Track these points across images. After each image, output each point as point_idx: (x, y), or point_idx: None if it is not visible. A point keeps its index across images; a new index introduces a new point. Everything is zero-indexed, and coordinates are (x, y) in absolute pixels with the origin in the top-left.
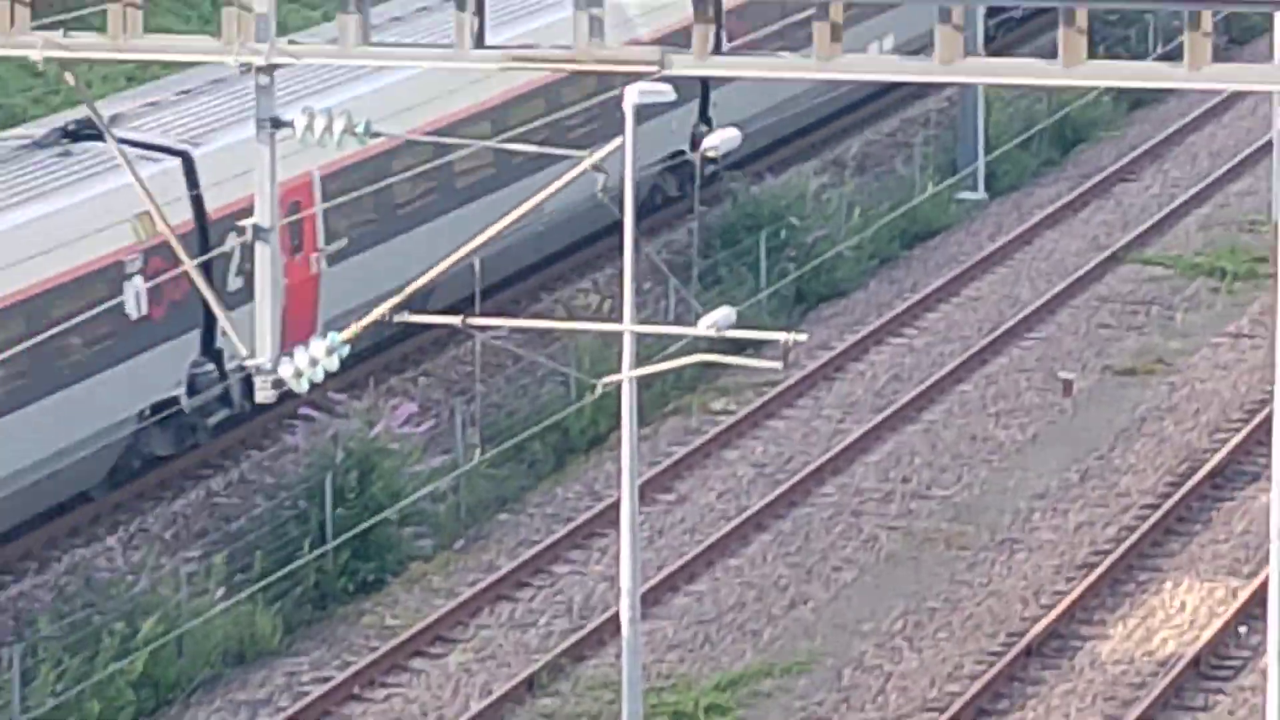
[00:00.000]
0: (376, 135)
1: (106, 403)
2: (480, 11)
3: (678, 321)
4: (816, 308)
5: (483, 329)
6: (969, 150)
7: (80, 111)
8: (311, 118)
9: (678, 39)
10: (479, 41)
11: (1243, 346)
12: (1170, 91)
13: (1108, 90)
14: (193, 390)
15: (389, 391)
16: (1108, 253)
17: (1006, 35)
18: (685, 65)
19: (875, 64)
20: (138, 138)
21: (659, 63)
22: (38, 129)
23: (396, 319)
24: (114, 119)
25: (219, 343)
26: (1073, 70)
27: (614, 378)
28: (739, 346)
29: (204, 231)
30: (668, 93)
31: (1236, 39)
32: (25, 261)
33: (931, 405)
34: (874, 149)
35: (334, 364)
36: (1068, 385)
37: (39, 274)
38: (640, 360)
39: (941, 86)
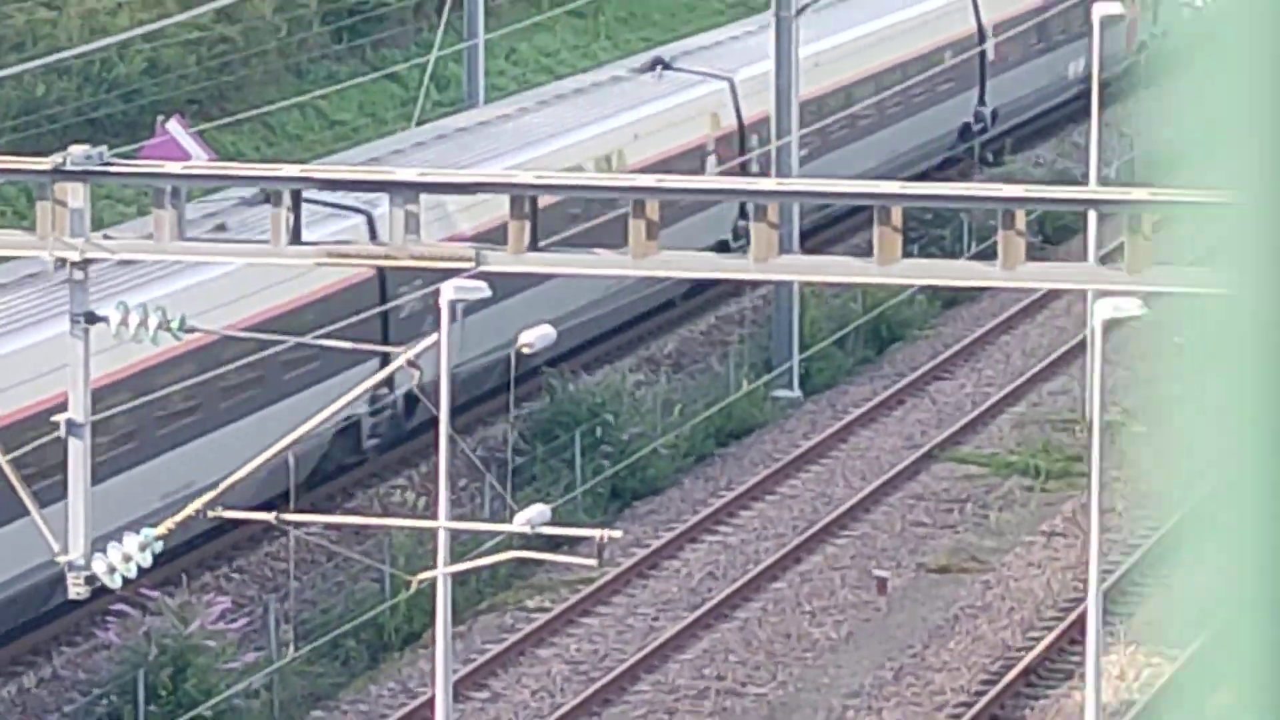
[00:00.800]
0: (191, 330)
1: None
2: (296, 208)
3: (493, 518)
4: (632, 505)
5: (297, 525)
6: (783, 348)
7: None
8: (126, 313)
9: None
10: (295, 237)
11: (1056, 545)
12: (985, 290)
13: (922, 288)
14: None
15: (203, 588)
16: (922, 451)
17: (821, 232)
18: (500, 261)
19: (690, 261)
20: None
21: (474, 259)
22: None
23: (210, 515)
24: None
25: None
26: (888, 268)
27: (429, 574)
28: (554, 543)
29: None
30: (483, 289)
31: (1050, 238)
32: None
33: (746, 603)
34: (689, 346)
35: (148, 560)
36: (882, 583)
37: None
38: (455, 557)
39: (757, 284)
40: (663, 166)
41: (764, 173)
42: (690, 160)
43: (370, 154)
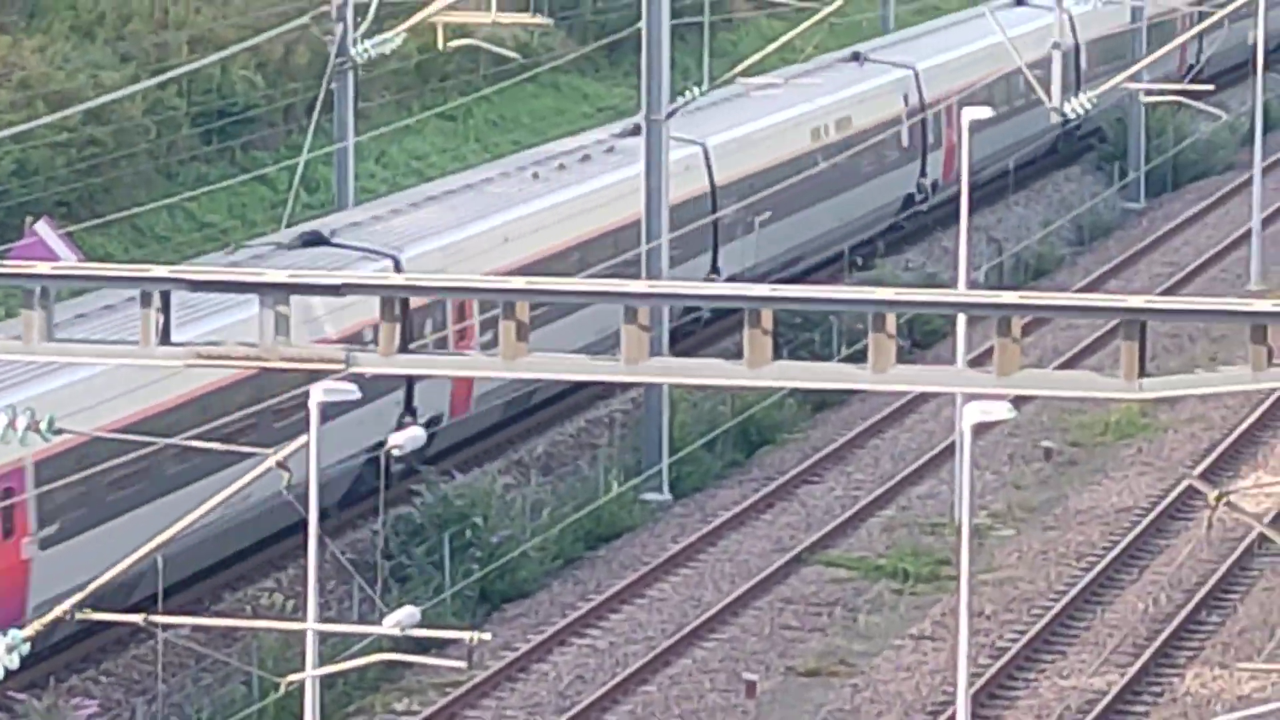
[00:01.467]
0: (59, 432)
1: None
2: (166, 308)
3: (362, 620)
4: (501, 607)
5: (165, 627)
6: (653, 451)
7: None
8: None
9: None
10: (164, 338)
11: (925, 649)
12: (854, 393)
13: (792, 392)
14: None
15: (70, 690)
16: (791, 554)
17: (691, 336)
18: (371, 363)
19: (561, 363)
20: None
21: (344, 361)
22: None
23: (78, 617)
24: None
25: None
26: (758, 371)
27: (297, 676)
28: (423, 645)
29: None
30: (352, 391)
31: (919, 342)
32: None
33: (615, 706)
34: (559, 449)
35: (14, 662)
36: (751, 687)
37: None
38: (324, 659)
39: (627, 386)
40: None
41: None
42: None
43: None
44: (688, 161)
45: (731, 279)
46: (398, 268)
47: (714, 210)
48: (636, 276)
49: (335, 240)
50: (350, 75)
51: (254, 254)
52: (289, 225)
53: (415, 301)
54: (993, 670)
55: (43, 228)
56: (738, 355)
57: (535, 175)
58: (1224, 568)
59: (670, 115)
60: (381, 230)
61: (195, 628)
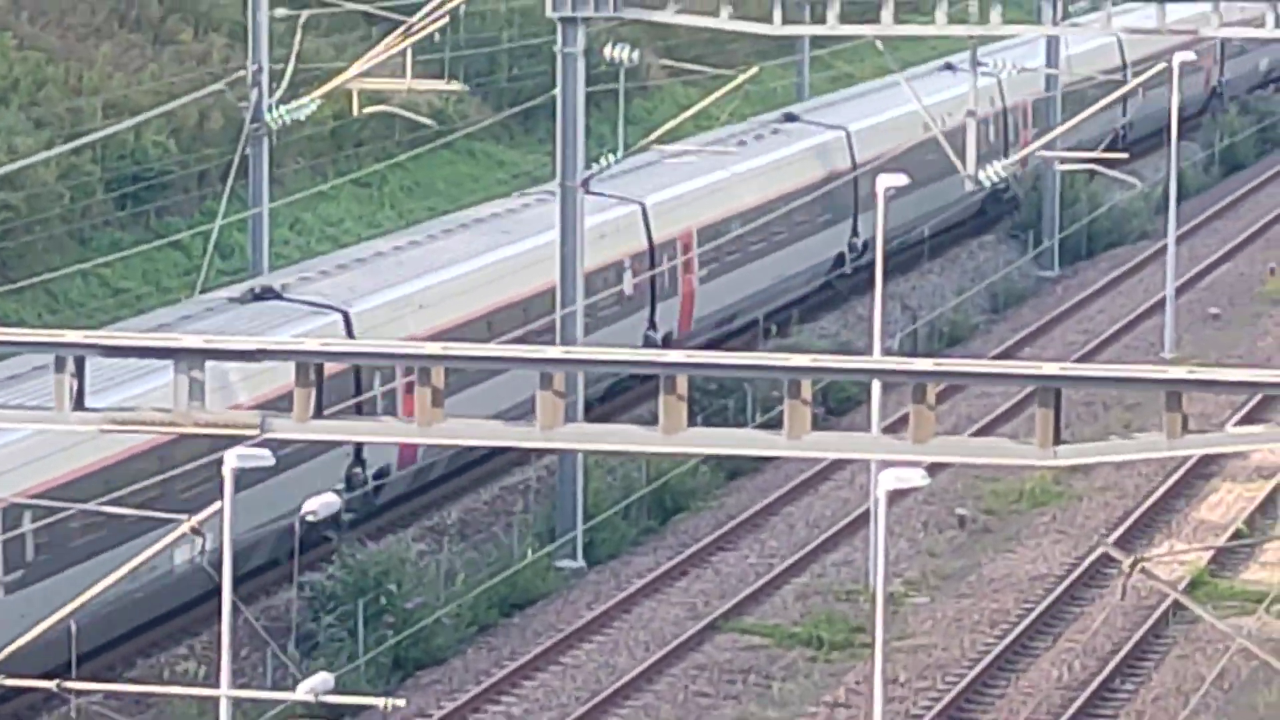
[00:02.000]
0: None
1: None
2: (80, 374)
3: (276, 687)
4: (415, 674)
5: (78, 693)
6: (568, 517)
7: None
8: None
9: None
10: (78, 403)
11: (840, 716)
12: (769, 461)
13: (707, 458)
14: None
15: None
16: (706, 622)
17: (606, 403)
18: (286, 429)
19: (476, 429)
20: None
21: (259, 426)
22: None
23: None
24: None
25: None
26: (673, 437)
27: None
28: (337, 712)
29: None
30: (267, 457)
31: (834, 409)
32: None
33: None
34: (474, 515)
35: None
36: None
37: None
38: None
39: (542, 453)
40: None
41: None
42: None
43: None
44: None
45: (668, 336)
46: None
47: (652, 267)
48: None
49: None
50: (265, 141)
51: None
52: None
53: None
54: None
55: None
56: (653, 421)
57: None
58: (1138, 635)
59: (586, 182)
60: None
61: (108, 694)
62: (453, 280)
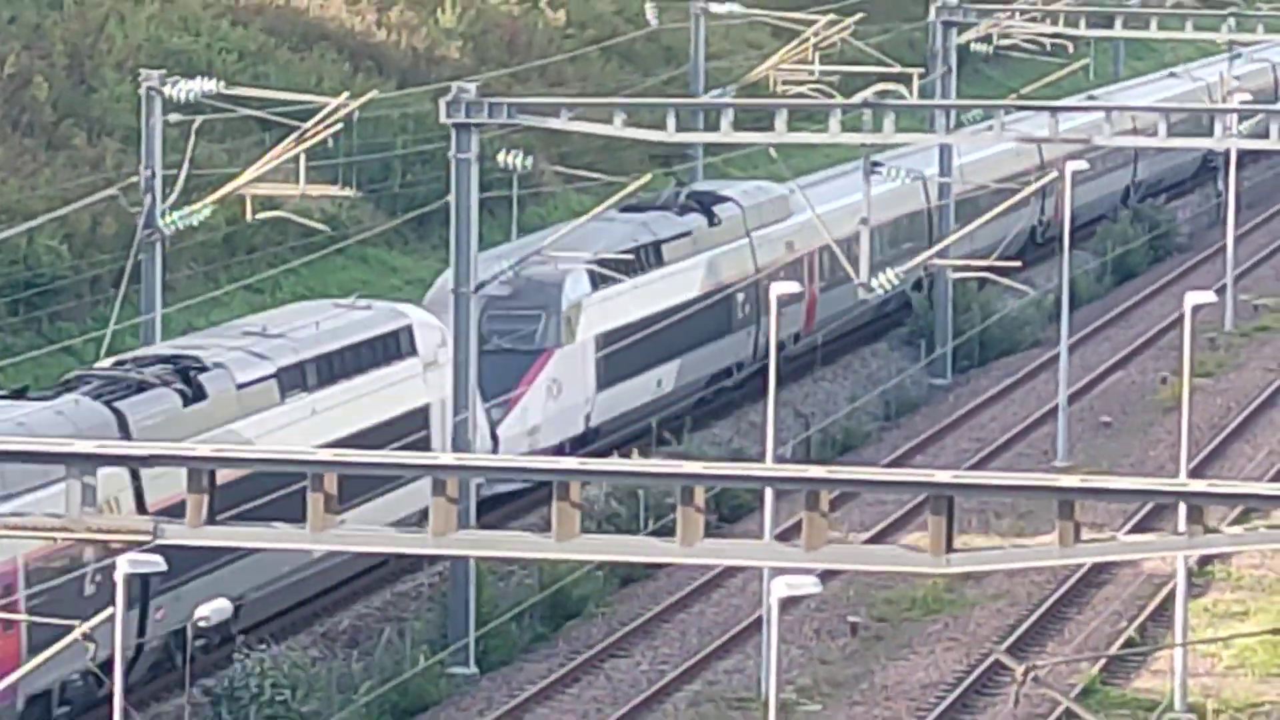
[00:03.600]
0: None
1: None
2: None
3: None
4: None
5: None
6: (460, 624)
7: None
8: None
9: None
10: None
11: None
12: (661, 568)
13: (600, 565)
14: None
15: None
16: None
17: (498, 509)
18: (178, 535)
19: (368, 536)
20: None
21: (152, 532)
22: None
23: None
24: None
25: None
26: (566, 544)
27: None
28: None
29: None
30: (159, 563)
31: (727, 516)
32: None
33: None
34: (366, 622)
35: None
36: None
37: None
38: None
39: (434, 559)
40: None
41: None
42: None
43: None
44: None
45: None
46: None
47: None
48: None
49: None
50: (158, 247)
51: None
52: None
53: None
54: None
55: None
56: (546, 528)
57: None
58: None
59: (479, 288)
60: None
61: None
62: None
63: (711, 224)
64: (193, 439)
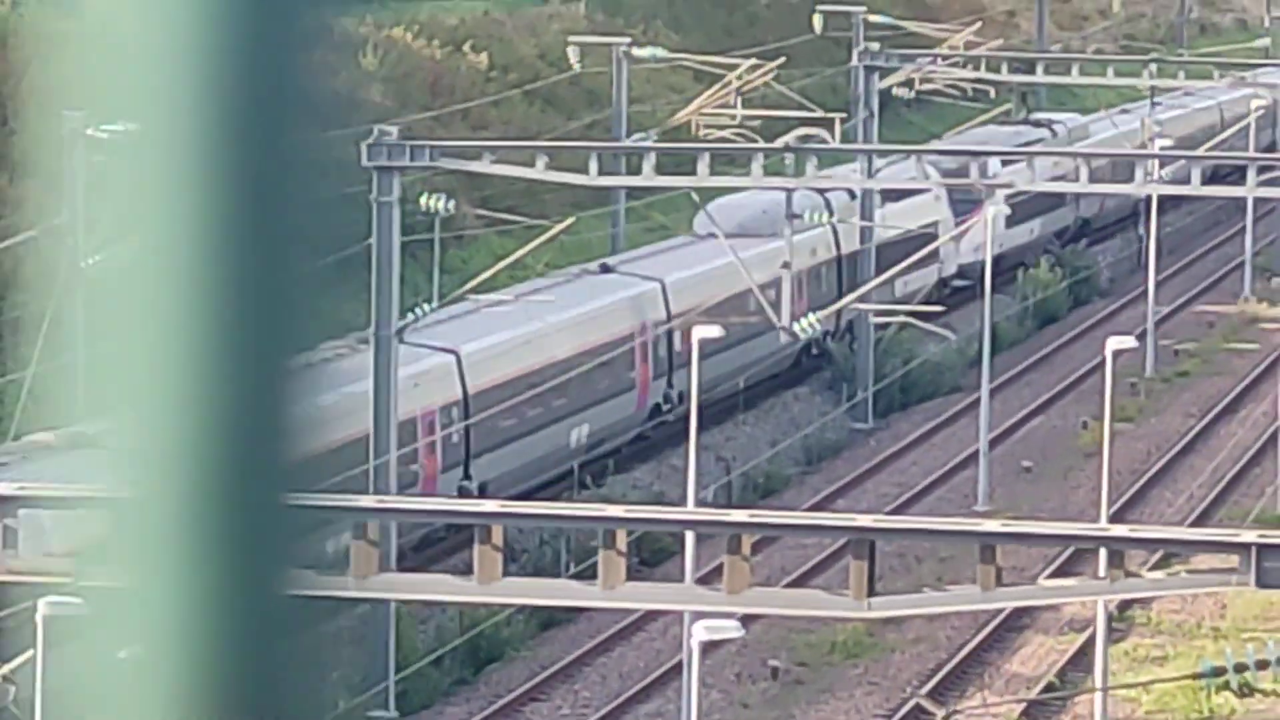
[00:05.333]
0: None
1: None
2: None
3: None
4: None
5: None
6: (379, 669)
7: None
8: None
9: None
10: None
11: None
12: (583, 611)
13: (521, 608)
14: None
15: None
16: None
17: (423, 552)
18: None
19: None
20: None
21: (74, 575)
22: None
23: None
24: None
25: None
26: (488, 587)
27: None
28: None
29: None
30: (80, 605)
31: (648, 560)
32: None
33: None
34: None
35: None
36: None
37: None
38: None
39: (355, 602)
40: None
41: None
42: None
43: None
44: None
45: (483, 487)
46: None
47: (466, 418)
48: None
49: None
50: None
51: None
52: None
53: None
54: None
55: None
56: (467, 571)
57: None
58: None
59: (400, 331)
60: None
61: None
62: None
63: None
64: None
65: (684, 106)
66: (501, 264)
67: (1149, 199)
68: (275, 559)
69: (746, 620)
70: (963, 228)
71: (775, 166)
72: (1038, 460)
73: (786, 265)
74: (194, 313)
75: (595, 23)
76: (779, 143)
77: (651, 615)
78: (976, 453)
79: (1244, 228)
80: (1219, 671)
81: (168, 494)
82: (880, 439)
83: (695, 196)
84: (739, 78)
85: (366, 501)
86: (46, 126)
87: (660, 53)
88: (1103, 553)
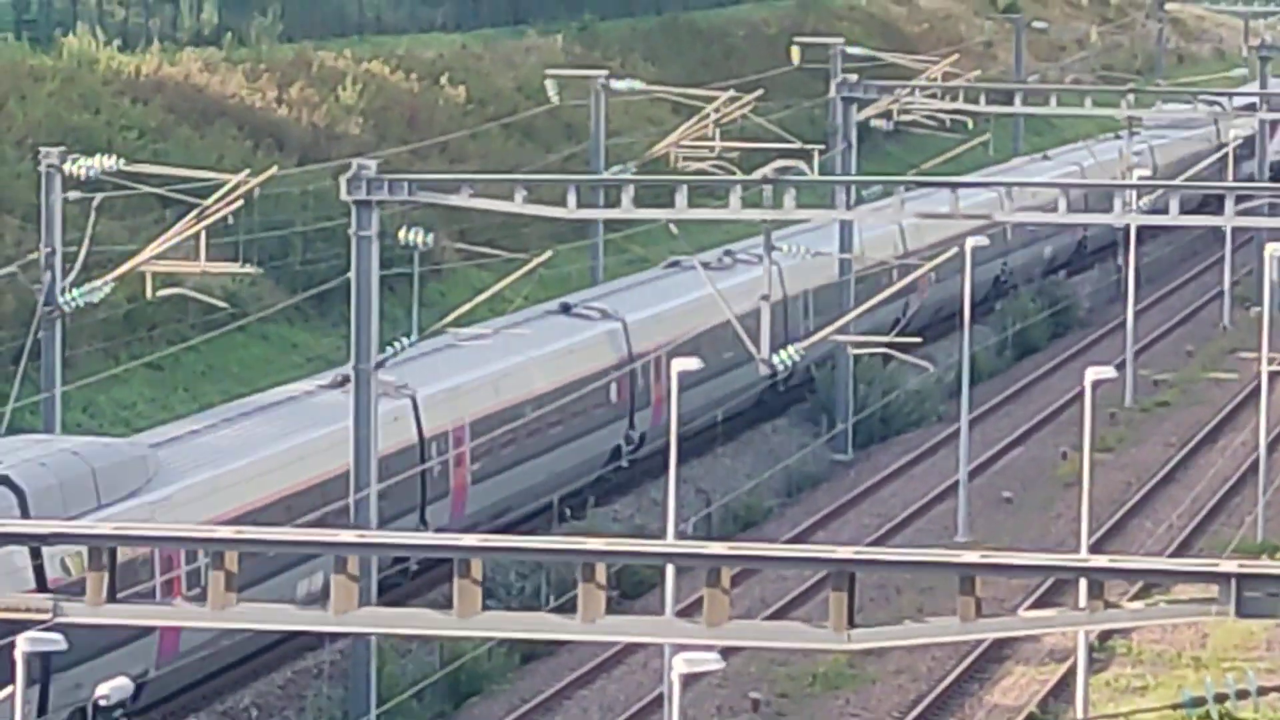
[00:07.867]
0: None
1: None
2: None
3: None
4: None
5: None
6: (361, 701)
7: None
8: None
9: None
10: None
11: None
12: (563, 644)
13: (501, 641)
14: None
15: None
16: None
17: (399, 587)
18: (79, 613)
19: (269, 613)
20: None
21: (51, 610)
22: None
23: None
24: None
25: None
26: (468, 621)
27: None
28: None
29: None
30: (59, 642)
31: (628, 593)
32: None
33: None
34: (266, 700)
35: None
36: None
37: None
38: None
39: (335, 636)
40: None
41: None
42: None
43: None
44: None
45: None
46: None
47: (422, 461)
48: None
49: None
50: (58, 324)
51: None
52: None
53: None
54: None
55: None
56: (447, 605)
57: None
58: None
59: (379, 365)
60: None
61: None
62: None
63: None
64: None
65: (662, 139)
66: (480, 297)
67: (1127, 229)
68: None
69: (727, 653)
70: (939, 259)
71: (754, 199)
72: (1018, 491)
73: (765, 297)
74: None
75: (573, 56)
76: (757, 174)
77: (632, 648)
78: (956, 483)
79: (1222, 257)
80: (1199, 701)
81: None
82: (860, 470)
83: (674, 229)
84: (717, 110)
85: (345, 535)
86: (24, 163)
87: (638, 85)
88: (1083, 583)
